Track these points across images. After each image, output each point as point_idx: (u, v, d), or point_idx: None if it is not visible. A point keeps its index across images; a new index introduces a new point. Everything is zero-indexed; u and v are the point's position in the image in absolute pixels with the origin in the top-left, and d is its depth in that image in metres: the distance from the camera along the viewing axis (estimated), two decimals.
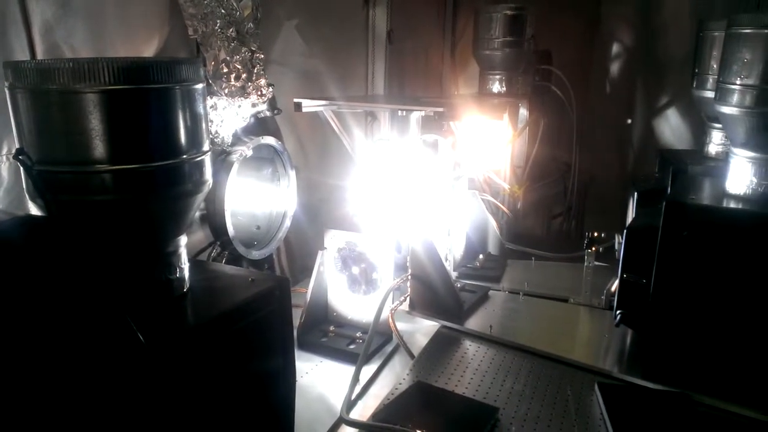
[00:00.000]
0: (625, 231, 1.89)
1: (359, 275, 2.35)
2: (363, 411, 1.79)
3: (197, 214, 2.56)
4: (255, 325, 1.43)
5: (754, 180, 1.75)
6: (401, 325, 2.33)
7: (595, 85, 4.36)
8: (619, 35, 4.28)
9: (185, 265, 1.42)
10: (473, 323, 2.21)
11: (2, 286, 1.05)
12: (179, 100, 1.30)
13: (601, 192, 4.15)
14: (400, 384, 1.85)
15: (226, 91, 2.46)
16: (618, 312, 1.93)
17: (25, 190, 1.31)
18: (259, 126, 2.88)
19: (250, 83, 2.50)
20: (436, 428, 1.55)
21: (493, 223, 2.78)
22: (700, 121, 2.60)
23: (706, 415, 1.71)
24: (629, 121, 4.23)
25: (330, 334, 2.30)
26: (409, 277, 2.28)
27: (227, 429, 1.42)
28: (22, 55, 1.84)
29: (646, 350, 1.89)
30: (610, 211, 3.42)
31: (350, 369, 2.08)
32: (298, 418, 1.78)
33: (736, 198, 1.79)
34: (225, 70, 2.44)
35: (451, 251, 2.63)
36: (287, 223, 2.99)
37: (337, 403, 1.81)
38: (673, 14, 3.98)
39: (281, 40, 3.13)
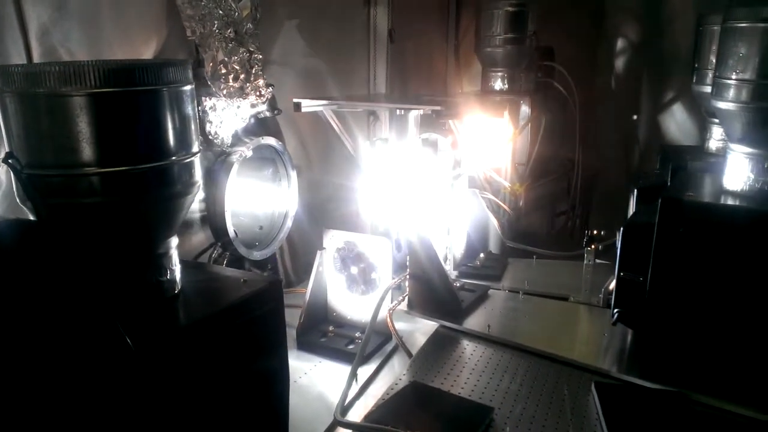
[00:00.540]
0: (621, 228, 1.88)
1: (358, 275, 2.35)
2: (361, 411, 1.78)
3: (198, 215, 2.56)
4: (246, 326, 1.43)
5: (752, 176, 1.73)
6: (401, 325, 2.33)
7: (600, 81, 4.34)
8: (624, 30, 4.25)
9: (176, 267, 1.43)
10: (472, 322, 2.20)
11: None
12: (167, 102, 1.30)
13: (607, 189, 4.13)
14: (396, 384, 1.84)
15: (225, 92, 2.46)
16: (615, 310, 1.92)
17: (15, 193, 1.32)
18: (260, 126, 2.89)
19: (248, 84, 2.51)
20: (430, 429, 1.55)
21: (493, 222, 2.77)
22: (701, 116, 2.58)
23: (703, 414, 1.70)
24: (635, 116, 4.20)
25: (329, 334, 2.30)
26: (408, 276, 2.27)
27: (220, 430, 1.42)
28: (18, 58, 1.85)
29: (644, 349, 1.87)
30: (617, 208, 3.40)
31: (349, 369, 2.09)
32: (295, 419, 1.79)
33: (734, 194, 1.77)
34: (223, 71, 2.44)
35: (451, 250, 2.62)
36: (288, 223, 3.00)
37: (335, 403, 1.81)
38: (677, 8, 3.94)
39: (282, 41, 3.13)
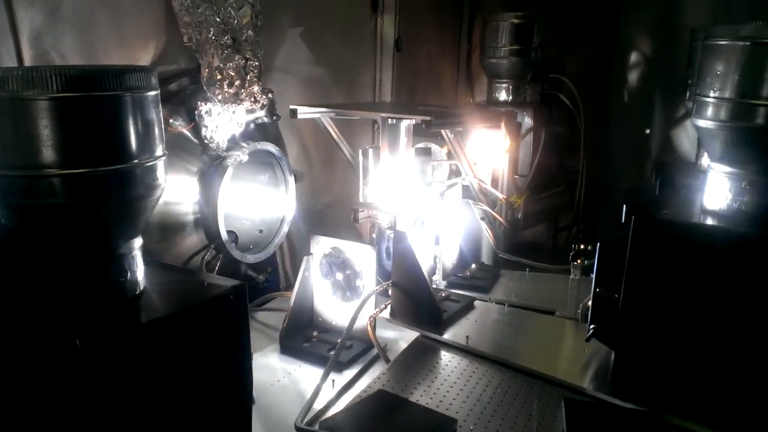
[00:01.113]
0: (598, 244, 1.86)
1: (343, 281, 2.37)
2: None
3: (191, 217, 2.61)
4: (204, 329, 1.45)
5: (729, 195, 1.70)
6: (389, 333, 2.33)
7: (613, 94, 4.29)
8: (638, 43, 4.20)
9: (138, 268, 1.46)
10: (452, 333, 2.20)
11: None
12: (129, 107, 1.34)
13: (616, 203, 4.07)
14: (364, 392, 1.85)
15: (220, 97, 2.51)
16: (591, 326, 1.90)
17: None
18: (260, 132, 2.93)
19: (243, 90, 2.55)
20: None
21: (486, 233, 2.75)
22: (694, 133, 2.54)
23: None
24: (648, 131, 4.14)
25: (313, 339, 2.32)
26: (391, 284, 2.28)
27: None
28: (9, 62, 1.91)
29: (620, 367, 1.85)
30: None
31: (331, 374, 2.10)
32: (265, 422, 1.81)
33: (711, 214, 1.74)
34: (218, 77, 2.49)
35: (441, 259, 2.62)
36: (285, 228, 3.03)
37: (307, 408, 1.82)
38: (692, 21, 3.88)
39: (285, 48, 3.17)
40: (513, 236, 3.11)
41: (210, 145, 2.57)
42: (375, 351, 2.21)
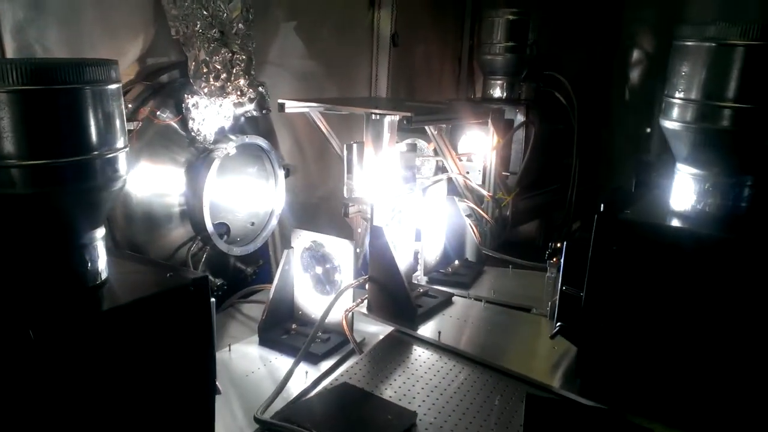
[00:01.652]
0: (564, 243, 1.86)
1: (323, 275, 2.40)
2: None
3: (177, 209, 2.65)
4: (163, 320, 1.48)
5: (694, 197, 1.70)
6: (371, 328, 2.36)
7: (614, 92, 4.26)
8: (641, 40, 4.17)
9: (100, 258, 1.49)
10: (426, 329, 2.21)
11: None
12: (88, 100, 1.37)
13: None
14: (330, 384, 1.87)
15: (206, 90, 2.54)
16: (558, 324, 1.90)
17: None
18: (251, 125, 2.96)
19: (229, 83, 2.58)
20: (337, 430, 1.57)
21: (470, 230, 2.76)
22: None
23: None
24: (648, 129, 4.11)
25: (292, 332, 2.35)
26: (367, 279, 2.30)
27: (134, 424, 1.47)
28: None
29: (585, 365, 1.85)
30: None
31: (305, 366, 2.13)
32: (234, 412, 1.84)
33: (677, 214, 1.74)
34: (205, 70, 2.52)
35: (422, 255, 2.64)
36: (274, 221, 3.06)
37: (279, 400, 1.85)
38: (697, 18, 3.85)
39: (278, 41, 3.19)
40: (501, 233, 3.11)
41: (197, 137, 2.61)
42: (351, 344, 2.23)
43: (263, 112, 2.84)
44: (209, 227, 2.67)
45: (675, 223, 1.68)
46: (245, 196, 3.12)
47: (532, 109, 3.33)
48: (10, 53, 1.99)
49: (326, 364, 2.15)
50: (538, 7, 3.45)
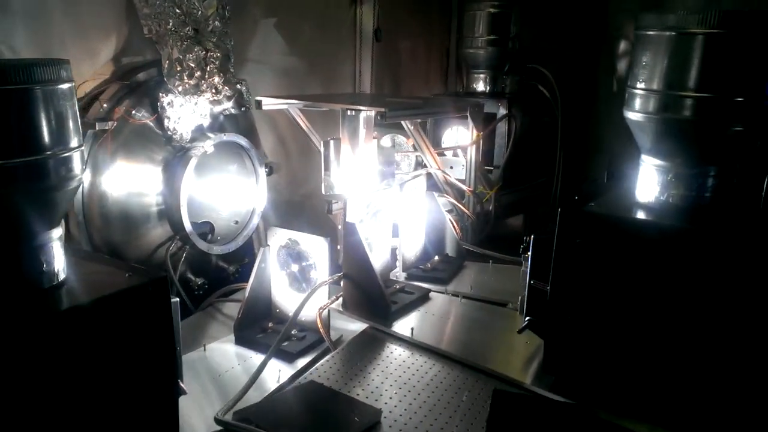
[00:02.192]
0: (532, 237, 1.85)
1: (299, 273, 2.39)
2: None
3: (155, 209, 2.64)
4: (120, 321, 1.47)
5: (658, 188, 1.68)
6: (348, 324, 2.35)
7: (601, 84, 4.23)
8: (627, 32, 4.13)
9: (57, 258, 1.49)
10: (401, 325, 2.21)
11: None
12: (39, 100, 1.36)
13: None
14: (299, 383, 1.87)
15: (180, 89, 2.53)
16: (527, 318, 1.89)
17: None
18: (231, 123, 2.95)
19: (203, 81, 2.57)
20: (298, 429, 1.56)
21: (450, 225, 2.75)
22: None
23: (601, 429, 1.66)
24: None
25: (268, 330, 2.34)
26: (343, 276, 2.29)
27: (93, 425, 1.46)
28: None
29: (554, 360, 1.84)
30: None
31: (279, 365, 2.13)
32: (204, 411, 1.83)
33: (642, 206, 1.72)
34: (178, 68, 2.51)
35: (401, 251, 2.63)
36: (255, 220, 3.05)
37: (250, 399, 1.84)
38: (686, 8, 3.80)
39: (258, 39, 3.18)
40: (484, 228, 3.09)
41: (174, 136, 2.60)
42: (327, 342, 2.22)
43: (242, 109, 2.83)
44: (187, 226, 2.66)
45: (638, 214, 1.66)
46: (227, 194, 3.11)
47: (515, 103, 3.30)
48: None
49: (303, 362, 2.15)
50: (521, 0, 3.42)
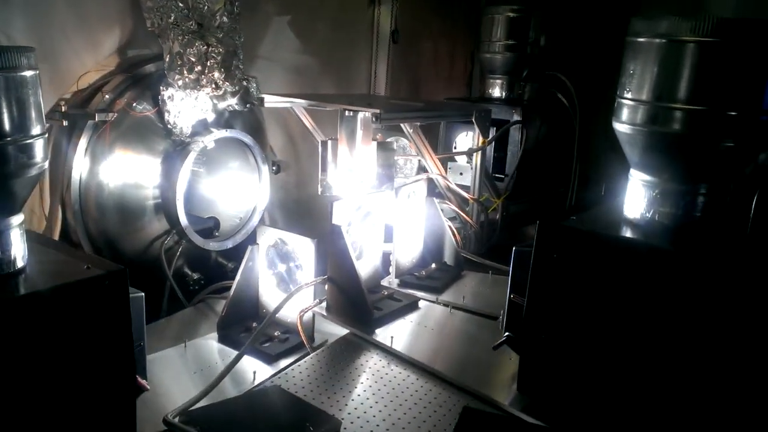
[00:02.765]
0: (514, 248, 1.77)
1: (286, 273, 2.35)
2: None
3: (152, 202, 2.64)
4: (73, 313, 1.44)
5: (644, 205, 1.59)
6: (335, 329, 2.29)
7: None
8: None
9: (15, 245, 1.47)
10: (383, 333, 2.14)
11: None
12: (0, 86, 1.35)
13: None
14: (262, 386, 1.82)
15: (180, 83, 2.53)
16: (505, 334, 1.81)
17: None
18: (237, 120, 2.94)
19: (203, 76, 2.55)
20: None
21: (449, 233, 2.67)
22: None
23: None
24: None
25: (252, 330, 2.30)
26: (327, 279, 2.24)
27: (44, 418, 1.44)
28: None
29: (526, 379, 1.75)
30: None
31: (257, 366, 2.09)
32: (167, 411, 1.80)
33: (628, 222, 1.63)
34: (179, 62, 2.50)
35: (394, 257, 2.56)
36: (255, 217, 3.04)
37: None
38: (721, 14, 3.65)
39: (270, 36, 3.17)
40: (490, 237, 3.00)
41: (173, 130, 2.60)
42: (313, 344, 2.18)
43: (247, 106, 2.82)
44: (183, 221, 2.66)
45: (618, 231, 1.57)
46: (230, 191, 3.10)
47: (531, 110, 3.21)
48: None
49: (284, 364, 2.11)
50: (543, 5, 3.32)
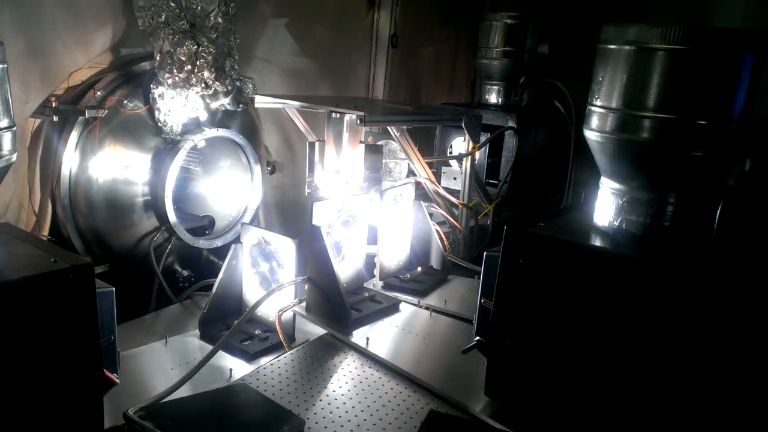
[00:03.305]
0: (485, 253, 1.77)
1: (268, 272, 2.36)
2: None
3: (141, 199, 2.67)
4: (37, 306, 1.46)
5: (612, 212, 1.58)
6: (316, 329, 2.30)
7: None
8: None
9: None
10: (360, 334, 2.14)
11: None
12: None
13: None
14: (229, 383, 1.83)
15: (170, 81, 2.55)
16: (476, 338, 1.81)
17: None
18: (231, 120, 2.96)
19: (192, 75, 2.57)
20: None
21: (436, 237, 2.67)
22: None
23: None
24: None
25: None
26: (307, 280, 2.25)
27: (6, 410, 1.45)
28: None
29: (492, 383, 1.74)
30: None
31: (234, 363, 2.10)
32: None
33: (593, 231, 1.62)
34: (169, 61, 2.53)
35: (378, 259, 2.56)
36: (247, 217, 3.05)
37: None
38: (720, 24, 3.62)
39: (267, 38, 3.19)
40: (479, 242, 2.99)
41: (164, 128, 2.62)
42: (294, 344, 2.18)
43: (240, 106, 2.83)
44: (172, 218, 2.68)
45: (582, 238, 1.56)
46: (223, 190, 3.13)
47: (527, 117, 3.19)
48: None
49: (263, 362, 2.11)
50: (542, 13, 3.31)
